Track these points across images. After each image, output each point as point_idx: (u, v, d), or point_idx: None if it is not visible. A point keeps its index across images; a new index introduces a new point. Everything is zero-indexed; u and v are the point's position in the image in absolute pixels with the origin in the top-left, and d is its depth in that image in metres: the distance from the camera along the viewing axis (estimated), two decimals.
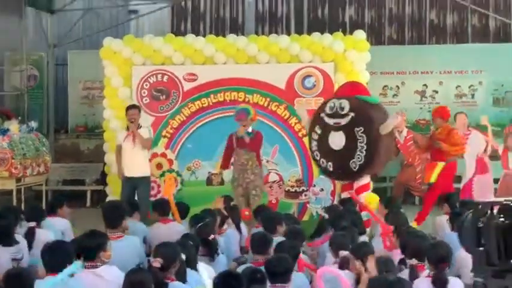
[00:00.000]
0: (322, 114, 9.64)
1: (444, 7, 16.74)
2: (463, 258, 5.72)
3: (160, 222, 7.90)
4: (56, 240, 6.06)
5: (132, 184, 10.09)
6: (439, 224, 8.25)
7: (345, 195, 9.75)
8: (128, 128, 10.20)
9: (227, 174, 11.52)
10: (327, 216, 8.09)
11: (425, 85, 14.96)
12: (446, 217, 7.91)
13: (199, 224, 6.84)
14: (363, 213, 8.37)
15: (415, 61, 14.97)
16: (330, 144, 9.52)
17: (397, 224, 6.89)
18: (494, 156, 11.44)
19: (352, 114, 9.37)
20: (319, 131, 9.67)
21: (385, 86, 14.93)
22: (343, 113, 9.43)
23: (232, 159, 10.27)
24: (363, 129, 9.29)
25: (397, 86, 15.08)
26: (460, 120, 11.30)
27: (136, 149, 10.09)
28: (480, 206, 3.77)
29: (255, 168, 10.06)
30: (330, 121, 9.53)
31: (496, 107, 14.64)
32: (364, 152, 9.28)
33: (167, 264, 5.25)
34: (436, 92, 14.91)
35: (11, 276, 4.98)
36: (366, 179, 9.84)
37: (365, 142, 9.28)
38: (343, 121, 9.42)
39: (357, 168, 9.39)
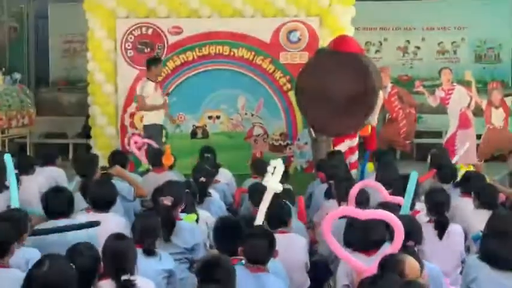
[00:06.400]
0: None
1: None
2: (459, 206, 5.87)
3: (154, 172, 8.06)
4: (57, 186, 6.05)
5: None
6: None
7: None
8: (153, 80, 10.23)
9: (211, 127, 11.65)
10: None
11: (407, 41, 15.01)
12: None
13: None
14: None
15: (397, 17, 14.98)
16: None
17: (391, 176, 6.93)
18: (476, 113, 11.57)
19: None
20: None
21: (368, 41, 14.93)
22: None
23: None
24: None
25: (380, 42, 15.12)
26: (445, 75, 11.42)
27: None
28: None
29: None
30: None
31: (478, 64, 14.74)
32: None
33: (176, 203, 5.37)
34: (419, 48, 14.98)
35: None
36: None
37: None
38: None
39: None
